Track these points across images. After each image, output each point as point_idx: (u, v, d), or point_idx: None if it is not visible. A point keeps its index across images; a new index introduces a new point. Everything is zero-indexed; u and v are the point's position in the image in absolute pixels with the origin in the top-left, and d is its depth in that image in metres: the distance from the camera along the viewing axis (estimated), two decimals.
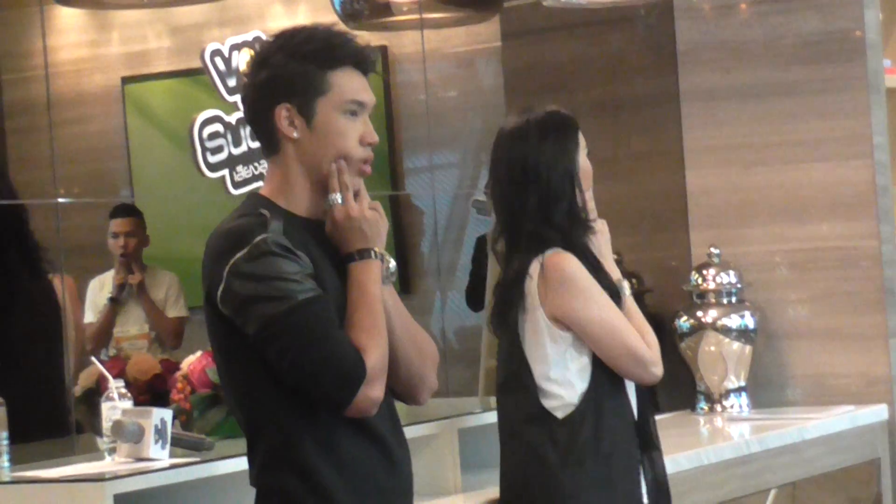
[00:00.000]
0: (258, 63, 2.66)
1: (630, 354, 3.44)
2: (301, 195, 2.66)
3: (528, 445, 3.40)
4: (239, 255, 2.56)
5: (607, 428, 3.41)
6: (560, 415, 3.40)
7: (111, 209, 6.51)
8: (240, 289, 2.55)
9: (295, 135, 2.64)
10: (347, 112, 2.66)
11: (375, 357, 2.58)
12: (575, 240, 3.45)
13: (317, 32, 2.66)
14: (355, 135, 2.67)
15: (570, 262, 3.40)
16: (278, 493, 2.59)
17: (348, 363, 2.55)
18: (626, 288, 3.52)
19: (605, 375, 3.44)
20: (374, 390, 2.57)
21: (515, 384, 3.44)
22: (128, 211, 6.51)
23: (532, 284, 3.41)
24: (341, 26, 2.67)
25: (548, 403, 3.40)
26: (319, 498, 2.58)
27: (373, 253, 2.65)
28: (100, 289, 6.36)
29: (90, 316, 6.32)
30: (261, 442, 2.61)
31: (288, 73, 2.63)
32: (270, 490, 2.61)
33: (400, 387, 2.70)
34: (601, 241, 3.50)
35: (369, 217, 2.66)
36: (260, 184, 4.93)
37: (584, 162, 3.52)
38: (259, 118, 2.67)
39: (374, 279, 2.64)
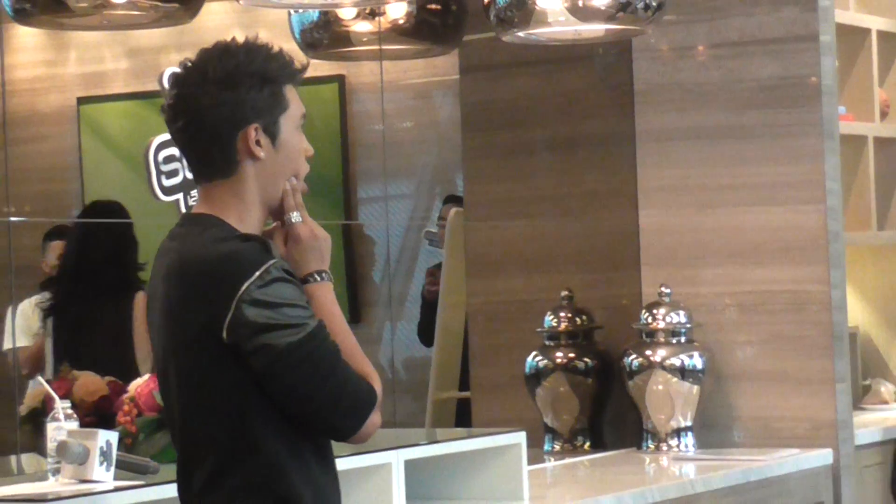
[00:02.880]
0: (217, 82, 2.59)
1: None
2: (254, 217, 2.64)
3: None
4: (249, 280, 2.50)
5: None
6: None
7: (48, 231, 6.41)
8: (254, 316, 2.50)
9: (262, 155, 2.62)
10: (300, 127, 2.66)
11: (378, 382, 2.59)
12: None
13: (264, 49, 2.63)
14: (303, 149, 2.68)
15: None
16: None
17: (363, 391, 2.55)
18: None
19: None
20: (377, 416, 2.59)
21: None
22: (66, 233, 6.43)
23: None
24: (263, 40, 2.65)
25: None
26: None
27: (327, 275, 2.65)
28: (31, 312, 6.25)
29: (23, 340, 6.21)
30: (235, 472, 2.55)
31: (258, 93, 2.60)
32: None
33: None
34: None
35: (328, 238, 2.66)
36: None
37: None
38: (218, 139, 2.61)
39: (334, 300, 2.63)
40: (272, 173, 2.62)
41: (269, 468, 2.54)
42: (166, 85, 4.65)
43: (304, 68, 2.66)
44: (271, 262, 2.52)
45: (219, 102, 2.60)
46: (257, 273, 2.50)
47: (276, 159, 2.62)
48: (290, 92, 2.63)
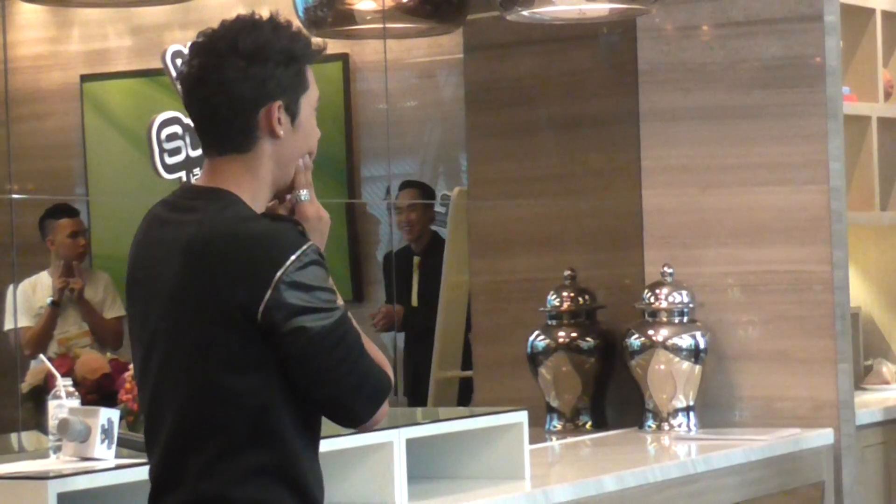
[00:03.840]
0: (247, 56, 2.54)
1: None
2: (264, 194, 2.60)
3: None
4: (289, 262, 2.47)
5: None
6: None
7: (49, 209, 6.37)
8: (291, 299, 2.47)
9: (282, 133, 2.57)
10: (315, 109, 2.63)
11: (391, 370, 2.58)
12: None
13: (288, 26, 2.58)
14: (316, 131, 2.66)
15: None
16: None
17: (383, 378, 2.55)
18: None
19: None
20: (387, 405, 2.57)
21: None
22: (72, 211, 6.43)
23: None
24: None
25: None
26: None
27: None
28: (32, 292, 6.23)
29: (24, 320, 6.19)
30: (247, 455, 2.50)
31: (285, 71, 2.56)
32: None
33: None
34: None
35: (329, 220, 2.64)
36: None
37: None
38: (241, 114, 2.55)
39: None
40: (287, 153, 2.59)
41: (285, 452, 2.52)
42: (169, 60, 4.63)
43: (322, 50, 2.63)
44: (308, 244, 2.50)
45: (247, 76, 2.55)
46: (296, 254, 2.48)
47: (293, 139, 2.59)
48: (310, 73, 2.61)
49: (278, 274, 2.46)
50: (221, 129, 2.56)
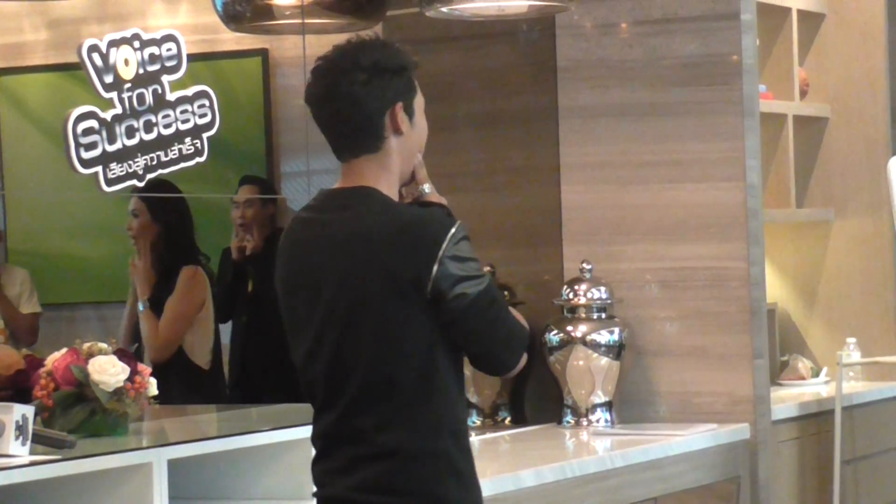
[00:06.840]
0: (368, 69, 2.95)
1: None
2: (396, 186, 3.03)
3: None
4: (448, 239, 2.91)
5: None
6: None
7: None
8: (454, 269, 2.90)
9: (406, 130, 3.01)
10: (424, 110, 3.06)
11: (526, 324, 3.03)
12: None
13: (391, 42, 3.03)
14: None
15: None
16: (442, 455, 2.92)
17: (523, 331, 3.02)
18: None
19: None
20: (526, 354, 3.02)
21: None
22: None
23: None
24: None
25: None
26: (468, 460, 2.98)
27: None
28: None
29: None
30: (418, 410, 2.90)
31: (399, 78, 3.00)
32: (431, 454, 2.91)
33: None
34: None
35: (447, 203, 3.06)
36: (134, 182, 4.87)
37: None
38: (371, 117, 2.97)
39: None
40: (409, 148, 3.03)
41: (448, 404, 2.93)
42: (85, 54, 4.57)
43: (416, 62, 3.05)
44: (457, 223, 2.94)
45: (373, 85, 2.97)
46: (451, 232, 2.91)
47: (412, 136, 3.03)
48: (415, 80, 3.04)
49: (442, 249, 2.90)
50: (355, 134, 2.99)
